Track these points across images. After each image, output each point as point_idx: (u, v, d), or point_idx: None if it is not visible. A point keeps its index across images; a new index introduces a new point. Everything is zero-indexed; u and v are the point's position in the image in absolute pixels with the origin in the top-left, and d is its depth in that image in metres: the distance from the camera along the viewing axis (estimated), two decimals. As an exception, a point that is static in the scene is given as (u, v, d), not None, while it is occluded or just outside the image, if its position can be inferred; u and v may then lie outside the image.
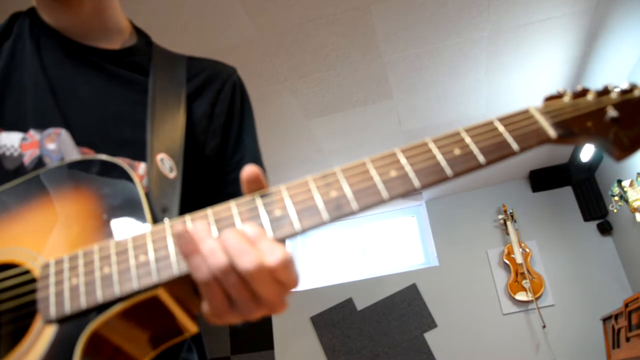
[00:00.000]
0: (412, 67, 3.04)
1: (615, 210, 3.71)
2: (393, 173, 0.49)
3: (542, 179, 4.47)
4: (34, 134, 0.67)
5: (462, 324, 4.18)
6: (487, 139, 0.50)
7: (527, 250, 4.28)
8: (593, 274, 4.13)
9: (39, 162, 0.66)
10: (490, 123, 0.51)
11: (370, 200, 0.48)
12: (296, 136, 3.58)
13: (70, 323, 0.48)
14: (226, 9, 2.43)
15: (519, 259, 4.21)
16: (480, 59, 3.02)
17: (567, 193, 4.44)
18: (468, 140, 0.50)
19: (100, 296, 0.47)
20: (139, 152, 0.67)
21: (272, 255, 0.45)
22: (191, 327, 0.52)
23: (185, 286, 0.50)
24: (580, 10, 2.68)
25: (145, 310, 0.49)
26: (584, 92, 0.54)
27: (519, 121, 0.51)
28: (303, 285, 4.60)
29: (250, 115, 0.84)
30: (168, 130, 0.71)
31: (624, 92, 0.53)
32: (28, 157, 0.66)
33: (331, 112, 3.38)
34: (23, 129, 0.67)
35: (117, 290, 0.47)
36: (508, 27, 2.78)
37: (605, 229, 4.15)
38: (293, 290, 0.48)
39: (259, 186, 0.50)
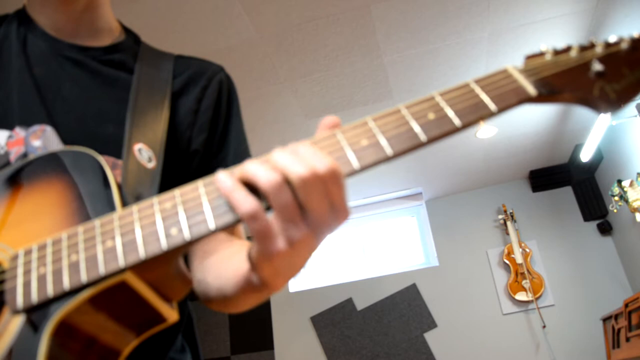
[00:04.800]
0: (412, 67, 3.03)
1: (615, 210, 3.71)
2: (364, 142, 0.48)
3: (542, 179, 4.47)
4: (19, 131, 0.67)
5: (462, 324, 4.18)
6: (462, 101, 0.48)
7: (527, 250, 4.28)
8: (593, 274, 4.13)
9: None
10: (467, 85, 0.49)
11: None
12: (296, 136, 3.57)
13: (39, 313, 0.47)
14: (226, 9, 2.43)
15: (519, 259, 4.21)
16: (480, 59, 3.01)
17: (567, 193, 4.44)
18: (442, 103, 0.48)
19: (67, 284, 0.46)
20: (122, 151, 0.67)
21: (321, 163, 0.45)
22: (169, 314, 0.51)
23: (159, 271, 0.49)
24: (580, 10, 2.68)
25: (115, 297, 0.48)
26: (567, 48, 0.51)
27: (496, 81, 0.49)
28: (303, 285, 4.60)
29: (238, 114, 0.84)
30: (149, 123, 0.70)
31: (609, 45, 0.50)
32: (14, 155, 0.65)
33: (331, 112, 3.38)
34: (9, 126, 0.67)
35: (83, 277, 0.46)
36: (508, 27, 2.78)
37: (605, 229, 4.15)
38: (343, 219, 0.47)
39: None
